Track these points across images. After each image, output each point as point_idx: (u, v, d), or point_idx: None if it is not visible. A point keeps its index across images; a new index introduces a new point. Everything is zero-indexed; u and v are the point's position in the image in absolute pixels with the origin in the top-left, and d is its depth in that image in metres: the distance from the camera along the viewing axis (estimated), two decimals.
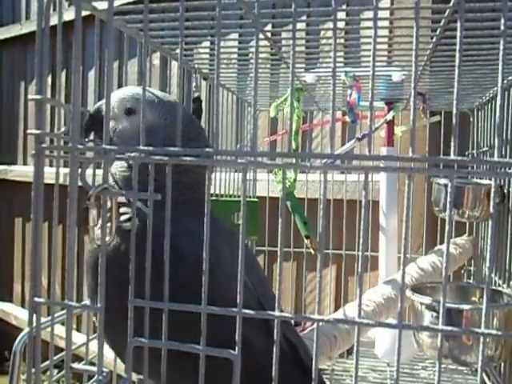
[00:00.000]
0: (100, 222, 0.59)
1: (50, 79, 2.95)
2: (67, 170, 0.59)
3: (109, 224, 0.60)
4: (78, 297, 2.56)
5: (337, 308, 2.03)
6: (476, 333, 0.52)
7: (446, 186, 1.58)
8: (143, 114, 0.59)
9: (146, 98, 0.59)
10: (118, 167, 0.84)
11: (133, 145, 0.84)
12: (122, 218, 0.76)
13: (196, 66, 1.37)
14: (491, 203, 0.54)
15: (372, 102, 0.55)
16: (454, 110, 0.53)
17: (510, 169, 1.02)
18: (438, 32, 0.94)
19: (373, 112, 0.57)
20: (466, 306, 1.10)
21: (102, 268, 0.57)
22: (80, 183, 0.60)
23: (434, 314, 1.13)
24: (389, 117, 1.67)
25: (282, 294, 2.09)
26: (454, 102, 0.53)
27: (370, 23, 0.50)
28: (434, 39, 1.00)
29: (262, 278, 0.94)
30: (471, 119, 1.87)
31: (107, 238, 0.58)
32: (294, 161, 0.58)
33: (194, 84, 1.30)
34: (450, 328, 0.52)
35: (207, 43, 1.31)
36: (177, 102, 0.87)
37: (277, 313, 0.55)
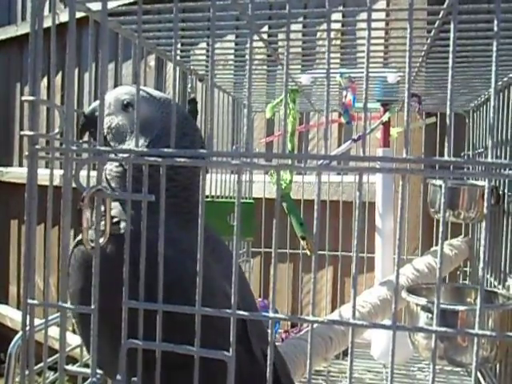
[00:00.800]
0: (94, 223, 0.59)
1: (45, 81, 2.94)
2: (62, 172, 0.59)
3: (102, 225, 0.60)
4: None
5: (333, 309, 2.03)
6: (470, 334, 0.52)
7: (441, 187, 1.58)
8: (138, 109, 0.59)
9: (140, 95, 0.59)
10: (111, 166, 0.84)
11: (131, 139, 0.85)
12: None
13: (192, 67, 1.37)
14: (485, 204, 0.54)
15: (366, 102, 0.55)
16: (448, 111, 0.53)
17: (504, 170, 1.02)
18: (432, 33, 0.95)
19: (367, 113, 0.57)
20: (461, 307, 1.10)
21: (96, 269, 0.57)
22: (74, 184, 0.59)
23: (430, 315, 1.13)
24: (385, 118, 1.67)
25: (279, 295, 2.09)
26: (448, 103, 0.53)
27: (365, 24, 0.51)
28: (429, 40, 1.00)
29: (242, 281, 0.93)
30: (467, 121, 1.87)
31: (101, 240, 0.58)
32: (289, 162, 0.58)
33: (189, 85, 1.30)
34: (443, 329, 0.52)
35: (203, 44, 1.31)
36: (171, 100, 0.88)
37: (271, 314, 0.55)
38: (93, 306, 0.57)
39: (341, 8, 1.52)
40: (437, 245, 1.82)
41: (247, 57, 1.34)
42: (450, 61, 0.52)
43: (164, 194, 0.56)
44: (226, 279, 0.79)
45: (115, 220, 0.76)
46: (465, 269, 1.85)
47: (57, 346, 0.59)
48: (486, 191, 0.54)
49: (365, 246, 1.88)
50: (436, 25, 0.90)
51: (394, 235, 1.72)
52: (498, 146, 1.45)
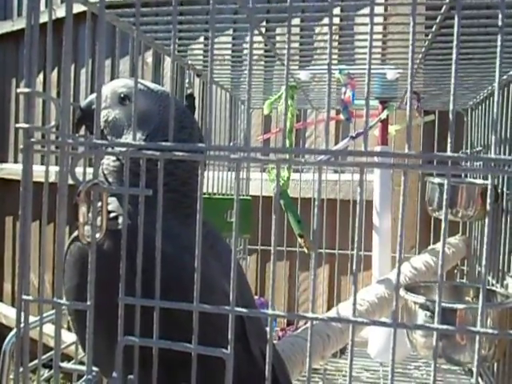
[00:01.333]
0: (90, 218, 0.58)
1: (41, 77, 2.92)
2: (58, 167, 0.58)
3: (99, 220, 0.59)
4: None
5: (330, 308, 2.02)
6: (472, 331, 0.52)
7: (440, 185, 1.58)
8: (135, 101, 0.57)
9: (138, 87, 0.58)
10: (108, 161, 0.83)
11: (128, 133, 0.83)
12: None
13: (189, 62, 1.36)
14: (488, 200, 0.53)
15: (368, 96, 0.54)
16: (451, 106, 0.52)
17: (504, 167, 1.01)
18: (433, 29, 0.94)
19: (368, 108, 0.56)
20: (460, 306, 1.09)
21: (92, 265, 0.56)
22: (70, 179, 0.58)
23: (428, 314, 1.12)
24: (383, 116, 1.67)
25: (275, 293, 2.08)
26: (451, 98, 0.52)
27: (364, 20, 0.50)
28: (430, 36, 0.99)
29: (241, 278, 0.92)
30: (465, 119, 1.87)
31: (97, 235, 0.57)
32: (287, 156, 0.57)
33: (187, 81, 1.29)
34: (445, 327, 0.52)
35: (201, 39, 1.30)
36: (169, 93, 0.87)
37: (270, 311, 0.54)
38: (89, 303, 0.56)
39: (341, 2, 1.51)
40: (434, 243, 1.82)
41: (245, 52, 1.34)
42: (454, 55, 0.51)
43: (162, 188, 0.55)
44: (224, 276, 0.77)
45: (112, 215, 0.75)
46: (462, 267, 1.85)
47: (51, 343, 0.58)
48: (489, 187, 0.53)
49: (362, 244, 1.88)
50: (438, 20, 0.89)
51: (391, 233, 1.72)
52: (498, 144, 1.45)
